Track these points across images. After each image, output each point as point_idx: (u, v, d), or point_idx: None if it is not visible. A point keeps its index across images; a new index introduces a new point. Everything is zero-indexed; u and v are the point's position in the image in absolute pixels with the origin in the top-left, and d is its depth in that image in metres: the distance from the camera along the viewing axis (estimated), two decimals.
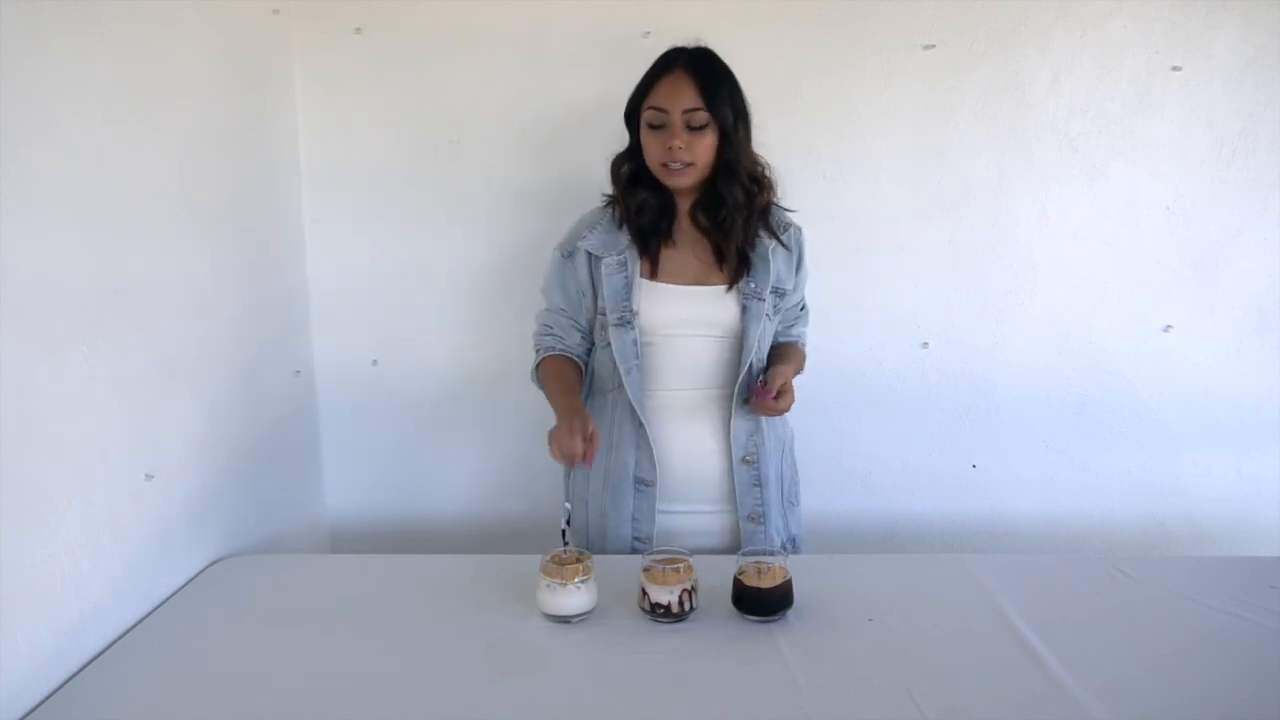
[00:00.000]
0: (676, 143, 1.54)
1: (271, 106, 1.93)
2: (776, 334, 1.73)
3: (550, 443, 1.52)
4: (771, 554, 1.37)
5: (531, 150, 2.03)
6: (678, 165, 1.55)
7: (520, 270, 2.00)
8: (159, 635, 1.35)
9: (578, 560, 1.35)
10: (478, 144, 2.03)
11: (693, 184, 1.60)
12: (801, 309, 1.79)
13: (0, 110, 1.12)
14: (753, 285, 1.61)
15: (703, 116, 1.54)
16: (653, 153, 1.58)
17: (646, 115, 1.57)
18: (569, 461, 1.51)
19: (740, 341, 1.61)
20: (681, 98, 1.54)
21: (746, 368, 1.59)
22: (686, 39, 1.61)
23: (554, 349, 1.69)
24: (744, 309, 1.60)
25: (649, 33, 1.83)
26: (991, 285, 2.06)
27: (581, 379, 1.69)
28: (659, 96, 1.56)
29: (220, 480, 1.66)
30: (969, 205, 2.03)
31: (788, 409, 1.59)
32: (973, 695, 1.16)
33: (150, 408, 1.44)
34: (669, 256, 1.63)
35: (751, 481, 1.63)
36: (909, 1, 1.95)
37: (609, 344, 1.61)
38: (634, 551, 1.62)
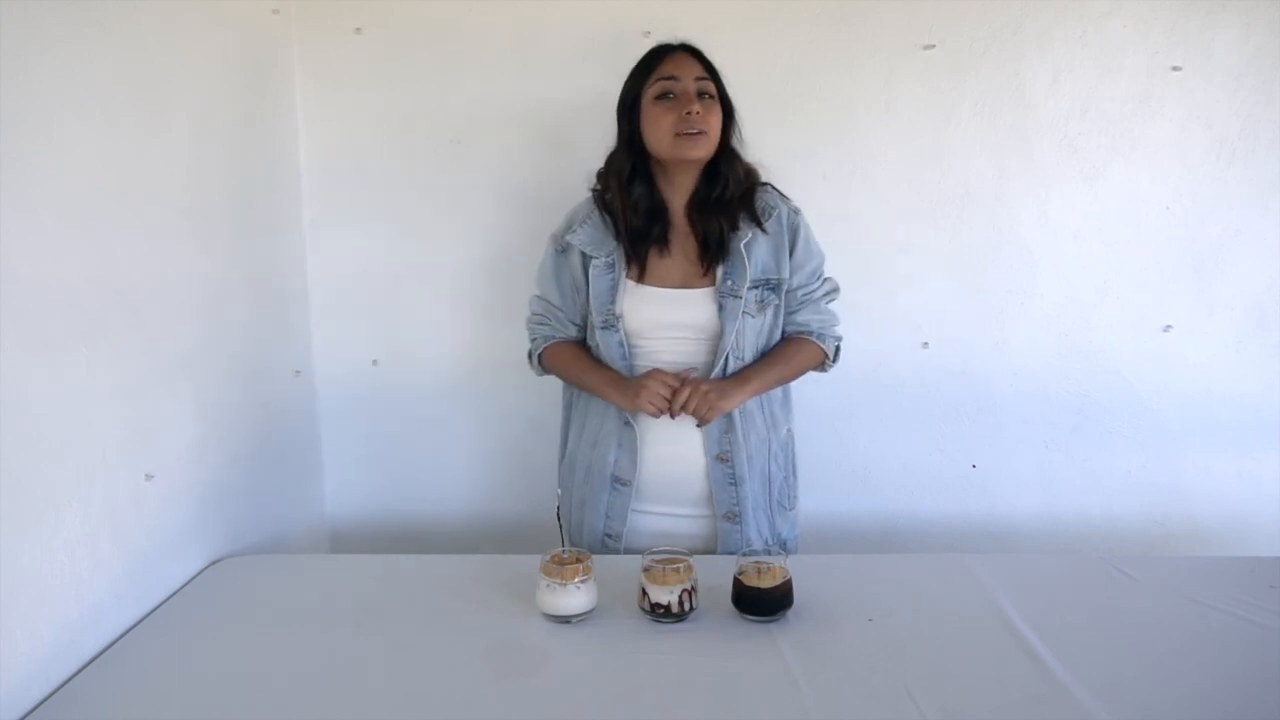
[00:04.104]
0: (695, 106, 1.52)
1: (271, 106, 1.93)
2: (785, 325, 1.66)
3: (638, 402, 1.53)
4: (772, 554, 1.37)
5: (531, 150, 2.03)
6: (694, 131, 1.52)
7: (520, 270, 1.99)
8: (159, 635, 1.35)
9: (578, 560, 1.35)
10: (478, 144, 2.03)
11: (705, 157, 1.56)
12: (805, 295, 1.65)
13: (0, 110, 1.12)
14: (729, 283, 1.58)
15: (712, 87, 1.56)
16: (664, 124, 1.53)
17: (654, 89, 1.55)
18: (662, 406, 1.51)
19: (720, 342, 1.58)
20: (690, 69, 1.56)
21: (721, 366, 1.57)
22: (685, 40, 1.61)
23: (553, 338, 1.70)
24: (720, 307, 1.58)
25: (649, 33, 1.82)
26: (991, 285, 2.06)
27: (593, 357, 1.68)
28: (668, 68, 1.56)
29: (220, 480, 1.66)
30: (969, 205, 2.03)
31: (707, 417, 1.52)
32: (973, 695, 1.16)
33: (150, 408, 1.44)
34: (658, 260, 1.62)
35: (727, 480, 1.60)
36: (909, 1, 1.95)
37: (599, 345, 1.62)
38: (604, 548, 1.62)
